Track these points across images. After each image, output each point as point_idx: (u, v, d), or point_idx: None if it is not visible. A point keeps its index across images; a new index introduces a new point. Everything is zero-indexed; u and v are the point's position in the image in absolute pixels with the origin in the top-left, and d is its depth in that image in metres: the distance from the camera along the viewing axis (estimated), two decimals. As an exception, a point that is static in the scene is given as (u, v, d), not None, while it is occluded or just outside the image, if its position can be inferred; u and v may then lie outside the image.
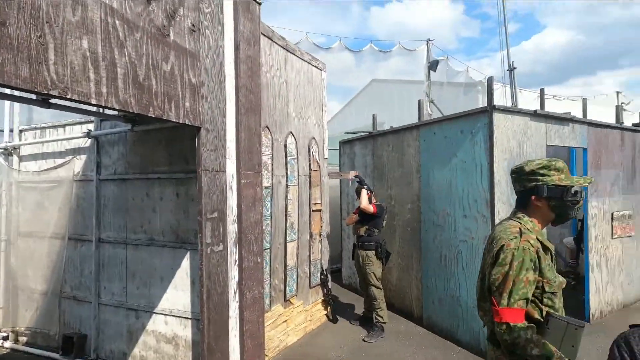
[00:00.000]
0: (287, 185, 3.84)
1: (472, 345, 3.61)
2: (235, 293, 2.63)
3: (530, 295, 1.36)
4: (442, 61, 8.28)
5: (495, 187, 3.42)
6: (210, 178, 2.39)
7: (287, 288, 3.86)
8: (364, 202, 4.00)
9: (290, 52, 3.99)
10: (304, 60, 4.26)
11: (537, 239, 1.43)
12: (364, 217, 4.09)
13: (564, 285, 1.45)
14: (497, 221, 3.42)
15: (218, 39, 2.51)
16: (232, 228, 2.61)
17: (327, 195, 4.71)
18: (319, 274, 4.42)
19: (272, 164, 3.61)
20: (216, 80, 2.46)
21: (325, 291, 4.47)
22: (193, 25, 2.29)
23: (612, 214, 4.71)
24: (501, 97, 9.13)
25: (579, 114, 5.19)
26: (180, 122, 2.18)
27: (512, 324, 1.30)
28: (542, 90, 4.30)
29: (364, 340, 3.93)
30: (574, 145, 4.25)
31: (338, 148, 6.22)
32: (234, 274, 2.61)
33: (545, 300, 1.39)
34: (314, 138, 4.41)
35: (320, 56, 6.34)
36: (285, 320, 3.82)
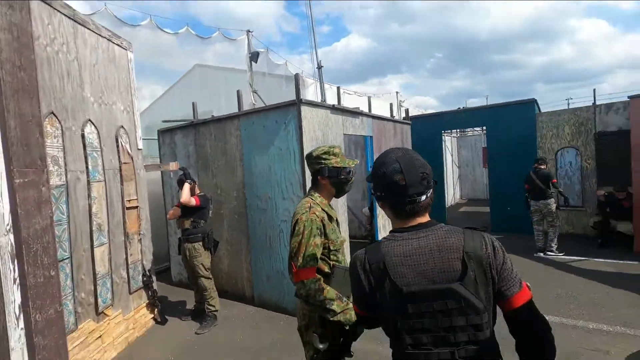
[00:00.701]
0: (89, 182, 3.29)
1: (296, 311, 4.11)
2: (17, 319, 2.13)
3: (319, 255, 1.71)
4: (262, 53, 8.65)
5: (306, 170, 3.93)
6: (-40, 180, 1.82)
7: (100, 299, 3.37)
8: (185, 196, 3.86)
9: (81, 24, 3.37)
10: (101, 36, 3.67)
11: (322, 210, 1.78)
12: (188, 210, 3.96)
13: (344, 243, 1.88)
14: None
15: (-44, -6, 1.88)
16: (5, 240, 2.08)
17: (145, 190, 4.29)
18: (140, 277, 4.03)
19: (65, 158, 3.02)
20: (-42, 51, 1.86)
21: (149, 293, 4.13)
22: None
23: (391, 186, 6.17)
24: (315, 92, 10.34)
25: (374, 109, 6.48)
26: None
27: (305, 281, 1.62)
28: (338, 89, 5.16)
29: (196, 333, 3.88)
30: (363, 134, 5.31)
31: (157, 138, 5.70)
32: (13, 296, 2.10)
33: (332, 256, 1.78)
34: (122, 127, 3.91)
35: (127, 33, 5.58)
36: (100, 336, 3.35)
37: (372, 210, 6.65)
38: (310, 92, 9.31)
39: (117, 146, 3.80)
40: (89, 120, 3.38)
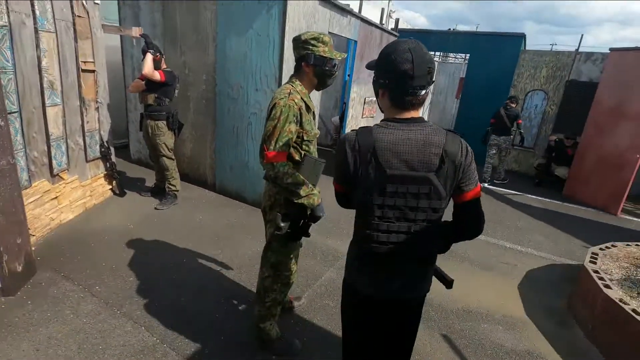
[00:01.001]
0: (36, 30, 2.88)
1: (256, 202, 4.30)
2: (-34, 163, 2.03)
3: (292, 142, 1.73)
4: None
5: (284, 63, 3.72)
6: None
7: (55, 161, 3.26)
8: (148, 68, 3.52)
9: None
10: None
11: (301, 99, 1.75)
12: (152, 85, 3.68)
13: (317, 135, 1.90)
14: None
15: None
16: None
17: (103, 53, 3.87)
18: (97, 147, 3.89)
19: (6, -7, 2.56)
20: None
21: (107, 165, 4.05)
22: None
23: (365, 99, 6.11)
24: None
25: (364, 11, 5.98)
26: None
27: (275, 163, 1.66)
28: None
29: (155, 208, 3.99)
30: (348, 36, 4.98)
31: (116, -5, 4.92)
32: (-41, 138, 1.97)
33: (304, 146, 1.81)
34: (75, -30, 3.30)
35: None
36: (56, 197, 3.34)
37: (342, 120, 6.66)
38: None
39: (70, -6, 3.26)
40: (33, -50, 2.80)
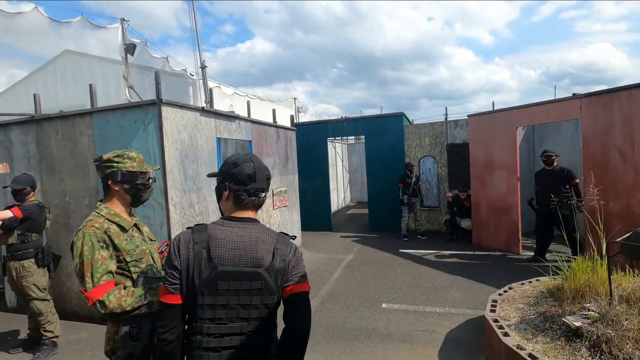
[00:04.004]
0: None
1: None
2: None
3: (113, 269, 1.55)
4: (140, 45, 7.91)
5: (168, 175, 3.71)
6: None
7: None
8: None
9: None
10: None
11: (107, 220, 1.62)
12: (10, 225, 3.31)
13: (147, 252, 1.75)
14: (171, 207, 3.74)
15: None
16: None
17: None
18: (-56, 306, 3.23)
19: None
20: None
21: (-40, 325, 3.34)
22: None
23: (273, 191, 6.26)
24: (216, 93, 9.80)
25: (282, 115, 6.50)
26: None
27: (101, 299, 1.46)
28: (211, 90, 5.02)
29: (26, 366, 3.28)
30: (240, 137, 5.27)
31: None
32: None
33: (132, 268, 1.63)
34: None
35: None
36: None
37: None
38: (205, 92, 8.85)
39: None
40: None
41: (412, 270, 5.62)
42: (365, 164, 9.23)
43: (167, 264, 1.25)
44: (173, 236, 3.71)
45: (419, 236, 7.69)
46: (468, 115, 7.14)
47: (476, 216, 6.87)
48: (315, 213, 8.71)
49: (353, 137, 14.46)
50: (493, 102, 7.67)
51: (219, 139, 4.68)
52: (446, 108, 8.32)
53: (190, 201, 4.05)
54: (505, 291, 3.53)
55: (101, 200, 1.70)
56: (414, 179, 7.45)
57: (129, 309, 1.49)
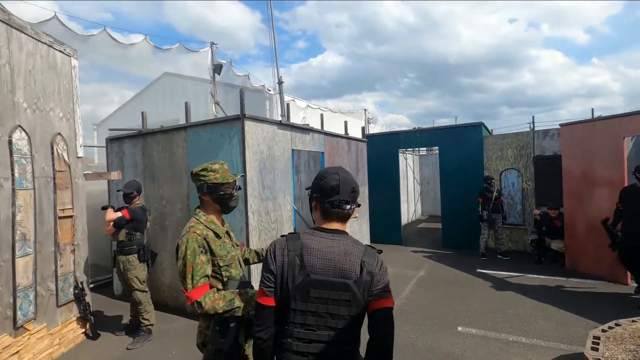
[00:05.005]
0: (14, 190, 3.19)
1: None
2: None
3: (209, 272, 1.72)
4: (225, 65, 8.71)
5: (248, 184, 3.99)
6: None
7: (19, 313, 3.22)
8: (108, 217, 3.87)
9: (17, 29, 3.32)
10: (40, 42, 3.62)
11: (206, 227, 1.79)
12: (119, 224, 3.88)
13: (236, 257, 1.91)
14: (250, 214, 4.01)
15: None
16: None
17: (84, 199, 4.18)
18: (71, 289, 3.88)
19: (-14, 164, 2.92)
20: None
21: (81, 307, 3.97)
22: None
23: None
24: (291, 106, 10.39)
25: (352, 127, 6.71)
26: None
27: (199, 300, 1.62)
28: (288, 105, 5.29)
29: (127, 348, 3.76)
30: (314, 149, 5.45)
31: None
32: None
33: (223, 272, 1.79)
34: (59, 134, 3.82)
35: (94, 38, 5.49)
36: (17, 352, 3.18)
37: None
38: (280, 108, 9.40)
39: (52, 153, 3.70)
40: (19, 126, 3.30)
41: (491, 293, 5.16)
42: (438, 176, 8.82)
43: (264, 268, 1.34)
44: (251, 241, 3.96)
45: (499, 256, 7.03)
46: (560, 125, 6.40)
47: (571, 237, 6.07)
48: (385, 225, 8.54)
49: (425, 149, 13.96)
50: (592, 109, 6.74)
51: (293, 151, 4.91)
52: (533, 117, 7.53)
53: (266, 209, 4.30)
54: (610, 327, 3.05)
55: (198, 207, 1.90)
56: (495, 193, 6.87)
57: (220, 312, 1.64)
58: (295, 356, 1.23)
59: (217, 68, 8.40)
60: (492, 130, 9.25)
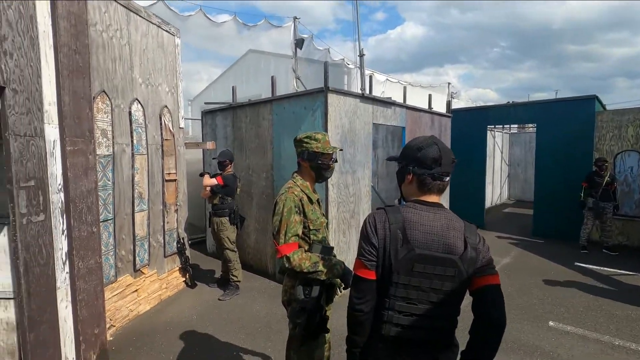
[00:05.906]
0: (133, 154, 3.71)
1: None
2: (64, 264, 2.54)
3: (300, 232, 1.82)
4: (307, 39, 8.78)
5: (329, 157, 4.04)
6: (23, 144, 2.21)
7: (138, 258, 3.83)
8: (205, 183, 4.30)
9: (134, 12, 3.74)
10: (152, 23, 4.04)
11: (301, 191, 1.88)
12: (215, 189, 4.30)
13: (325, 223, 1.98)
14: (330, 187, 4.09)
15: (26, -12, 2.25)
16: (57, 197, 2.48)
17: (184, 165, 4.70)
18: (175, 243, 4.47)
19: (113, 132, 3.44)
20: (25, 36, 2.23)
21: (182, 259, 4.57)
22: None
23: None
24: (358, 79, 10.26)
25: (433, 101, 6.41)
26: (-26, 79, 1.94)
27: (288, 255, 1.74)
28: (370, 77, 5.14)
29: (219, 299, 4.24)
30: (395, 124, 5.27)
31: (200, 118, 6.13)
32: (61, 244, 2.51)
33: (311, 235, 1.89)
34: (166, 106, 4.30)
35: (180, 22, 6.00)
36: (136, 290, 3.82)
37: (400, 202, 6.60)
38: (358, 81, 9.28)
39: (160, 124, 4.19)
40: (136, 99, 3.78)
41: (593, 289, 4.57)
42: (533, 157, 7.89)
43: (364, 240, 1.29)
44: (330, 212, 4.06)
45: (605, 250, 6.13)
46: None
47: None
48: (466, 208, 8.00)
49: (516, 126, 12.55)
50: None
51: (373, 125, 4.81)
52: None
53: (345, 182, 4.34)
54: None
55: (296, 172, 2.01)
56: (607, 178, 5.88)
57: (305, 271, 1.74)
58: (395, 328, 1.23)
59: (299, 42, 8.51)
60: (605, 105, 7.87)
